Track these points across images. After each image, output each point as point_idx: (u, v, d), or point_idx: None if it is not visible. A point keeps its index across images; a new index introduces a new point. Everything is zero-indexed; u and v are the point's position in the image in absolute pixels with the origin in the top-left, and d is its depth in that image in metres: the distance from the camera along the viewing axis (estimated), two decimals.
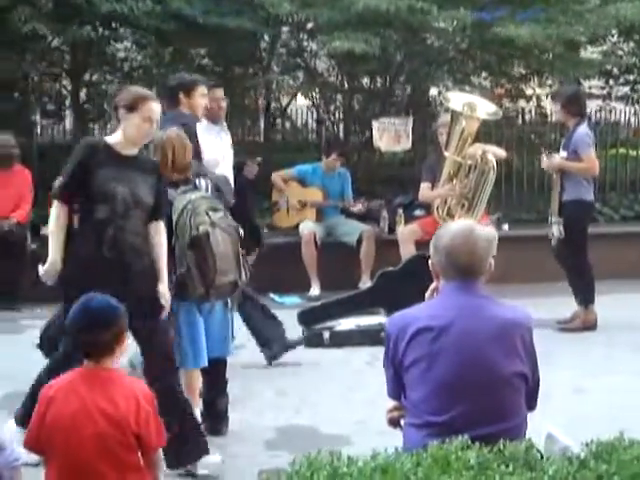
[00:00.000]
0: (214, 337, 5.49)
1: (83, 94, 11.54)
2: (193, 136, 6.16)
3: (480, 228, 3.62)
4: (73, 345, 3.90)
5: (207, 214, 5.24)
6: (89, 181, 4.88)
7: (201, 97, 6.46)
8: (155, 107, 5.01)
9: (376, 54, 9.91)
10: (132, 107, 4.95)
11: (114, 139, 5.05)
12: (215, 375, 5.59)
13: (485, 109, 8.25)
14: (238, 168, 6.91)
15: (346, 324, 7.70)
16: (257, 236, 6.91)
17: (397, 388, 3.58)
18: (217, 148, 6.70)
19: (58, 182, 5.24)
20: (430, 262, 3.63)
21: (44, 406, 3.58)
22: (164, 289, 4.98)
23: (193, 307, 5.36)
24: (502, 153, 8.63)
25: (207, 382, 5.56)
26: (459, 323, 3.45)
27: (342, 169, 10.02)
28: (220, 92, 7.05)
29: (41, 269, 4.98)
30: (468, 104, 8.12)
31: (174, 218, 5.16)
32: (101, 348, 3.61)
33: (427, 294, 3.74)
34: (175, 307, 5.24)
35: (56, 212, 4.98)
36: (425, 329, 3.45)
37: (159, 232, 5.04)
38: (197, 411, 5.35)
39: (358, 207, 9.76)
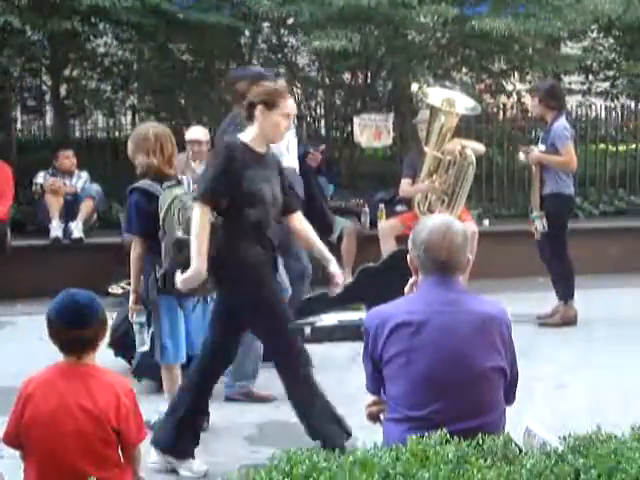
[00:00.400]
0: (193, 334, 5.46)
1: (63, 90, 11.48)
2: None
3: (457, 223, 3.63)
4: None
5: None
6: (237, 183, 4.67)
7: None
8: (291, 103, 4.92)
9: (357, 50, 9.91)
10: (272, 104, 4.78)
11: (248, 137, 4.83)
12: None
13: (464, 104, 8.25)
14: (302, 157, 6.84)
15: (327, 320, 7.71)
16: (329, 223, 6.86)
17: (376, 383, 3.59)
18: None
19: (202, 186, 4.77)
20: (408, 257, 3.64)
21: (22, 403, 3.56)
22: (335, 268, 5.00)
23: (175, 303, 5.33)
24: (481, 148, 8.65)
25: None
26: (437, 318, 3.46)
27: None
28: (283, 82, 7.02)
29: (179, 275, 4.75)
30: (447, 100, 8.13)
31: (161, 214, 5.04)
32: (86, 343, 3.60)
33: (406, 289, 3.75)
34: (157, 302, 5.23)
35: (201, 218, 4.65)
36: (404, 324, 3.46)
37: (301, 219, 5.04)
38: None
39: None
